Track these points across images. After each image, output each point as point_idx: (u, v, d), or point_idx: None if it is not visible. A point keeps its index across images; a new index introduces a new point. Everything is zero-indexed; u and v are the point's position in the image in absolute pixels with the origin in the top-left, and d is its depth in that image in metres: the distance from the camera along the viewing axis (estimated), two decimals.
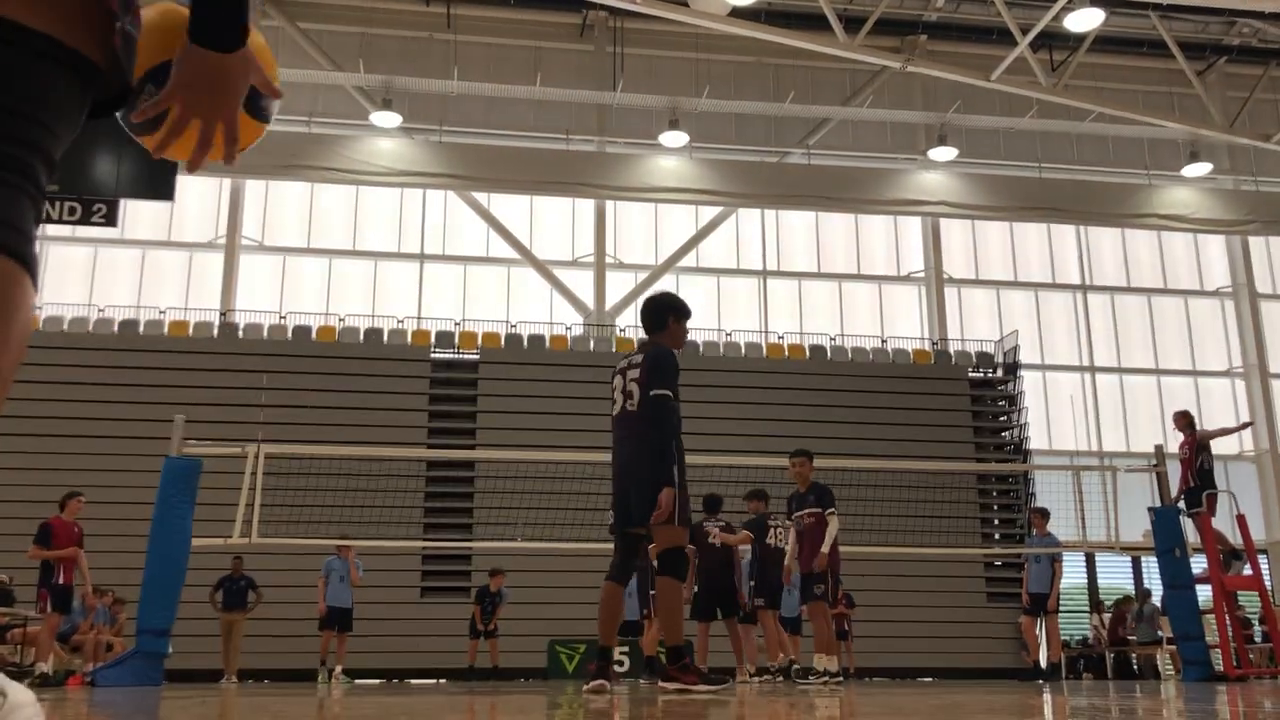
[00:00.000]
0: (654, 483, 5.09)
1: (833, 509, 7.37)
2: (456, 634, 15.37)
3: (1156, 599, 14.38)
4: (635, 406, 5.20)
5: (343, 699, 5.46)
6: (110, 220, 14.07)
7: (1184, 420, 10.89)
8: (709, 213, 20.45)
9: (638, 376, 5.20)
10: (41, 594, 9.49)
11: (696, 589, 9.41)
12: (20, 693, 1.37)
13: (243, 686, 10.64)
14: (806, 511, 7.52)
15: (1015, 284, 21.29)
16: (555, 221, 20.23)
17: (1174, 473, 10.84)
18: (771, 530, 9.45)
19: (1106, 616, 16.79)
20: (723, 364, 17.93)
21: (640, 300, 5.45)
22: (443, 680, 12.97)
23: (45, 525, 9.63)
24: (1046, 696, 5.21)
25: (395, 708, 4.09)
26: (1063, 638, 18.34)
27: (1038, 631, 11.45)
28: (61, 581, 9.63)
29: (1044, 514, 11.45)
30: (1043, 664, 11.31)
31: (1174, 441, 11.49)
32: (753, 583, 9.54)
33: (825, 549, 7.21)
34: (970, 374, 18.75)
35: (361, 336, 17.44)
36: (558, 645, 14.03)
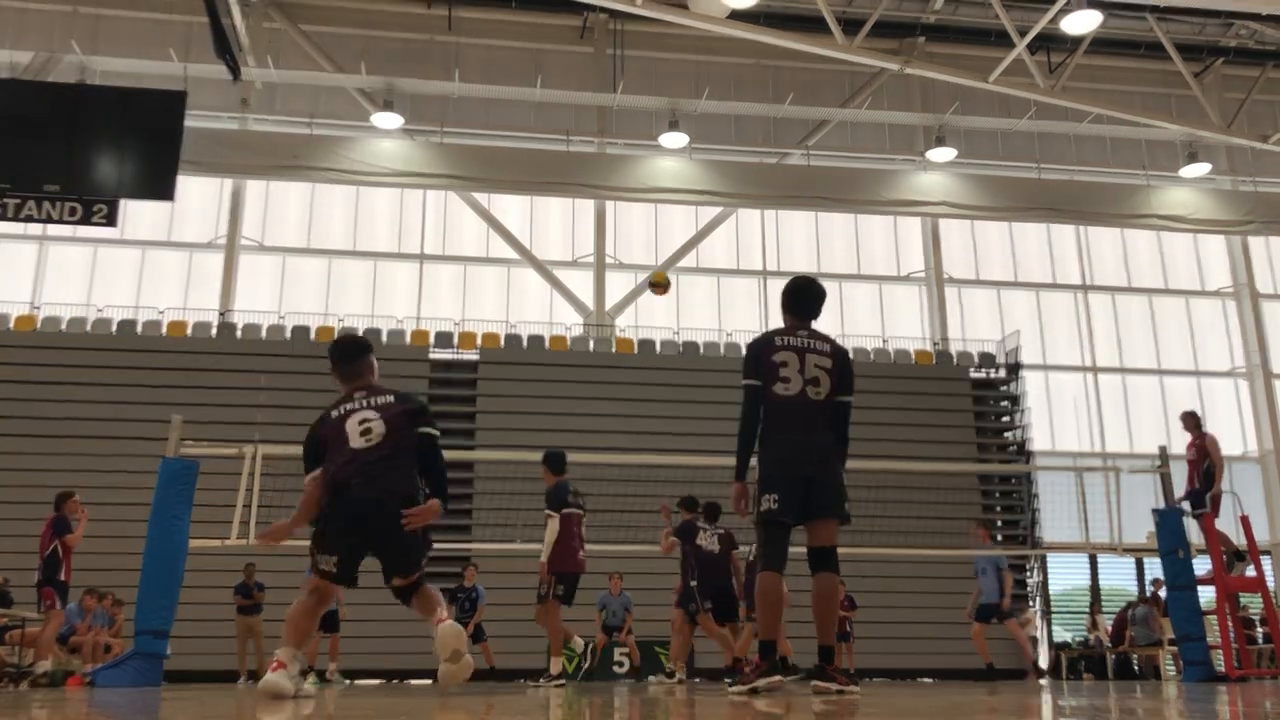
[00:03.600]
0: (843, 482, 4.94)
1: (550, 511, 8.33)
2: None
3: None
4: (823, 396, 4.89)
5: (343, 699, 5.45)
6: (110, 220, 14.08)
7: (1191, 420, 10.78)
8: (709, 213, 20.45)
9: (828, 366, 4.91)
10: (47, 592, 9.35)
11: (695, 584, 9.49)
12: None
13: (248, 687, 10.62)
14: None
15: (1016, 284, 21.28)
16: (555, 222, 20.23)
17: (1178, 473, 10.78)
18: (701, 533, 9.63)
19: (1106, 618, 16.77)
20: (723, 364, 17.90)
21: (794, 280, 5.18)
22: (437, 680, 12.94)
23: (62, 517, 9.52)
24: (1046, 697, 5.19)
25: (395, 708, 4.08)
26: (1063, 638, 18.41)
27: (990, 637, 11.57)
28: (63, 578, 9.59)
29: (987, 524, 11.57)
30: (1043, 664, 11.34)
31: (1177, 442, 11.45)
32: (694, 582, 9.63)
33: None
34: (972, 374, 18.74)
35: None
36: None
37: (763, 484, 4.90)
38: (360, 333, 17.50)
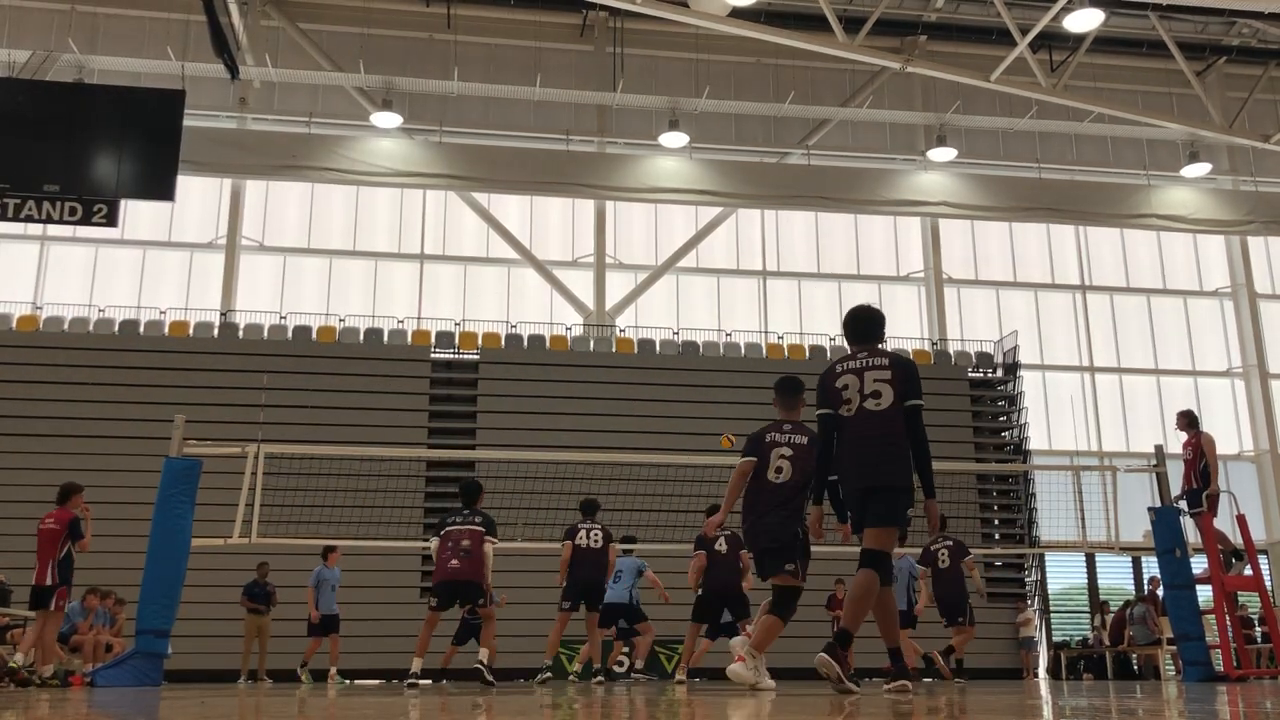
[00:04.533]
0: (907, 490, 5.18)
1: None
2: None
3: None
4: (884, 407, 5.17)
5: (342, 700, 5.47)
6: (111, 220, 14.09)
7: (1185, 420, 10.77)
8: (709, 213, 20.46)
9: (887, 378, 5.21)
10: (61, 591, 9.25)
11: (701, 592, 9.48)
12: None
13: (248, 687, 10.64)
14: None
15: (1015, 284, 21.30)
16: (555, 221, 20.24)
17: (1175, 472, 10.79)
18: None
19: (1107, 617, 16.78)
20: (723, 364, 17.94)
21: (852, 310, 5.59)
22: (443, 680, 12.95)
23: (76, 519, 9.35)
24: (1047, 698, 5.21)
25: (395, 708, 4.10)
26: (1063, 638, 18.44)
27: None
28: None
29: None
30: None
31: (1174, 442, 11.45)
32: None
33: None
34: (970, 374, 18.77)
35: (362, 337, 17.45)
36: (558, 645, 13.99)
37: (844, 503, 5.31)
38: (361, 333, 17.54)
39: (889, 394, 5.18)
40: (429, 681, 8.66)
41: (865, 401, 5.16)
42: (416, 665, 8.28)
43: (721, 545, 9.45)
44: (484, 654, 8.36)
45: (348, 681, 12.83)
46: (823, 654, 5.02)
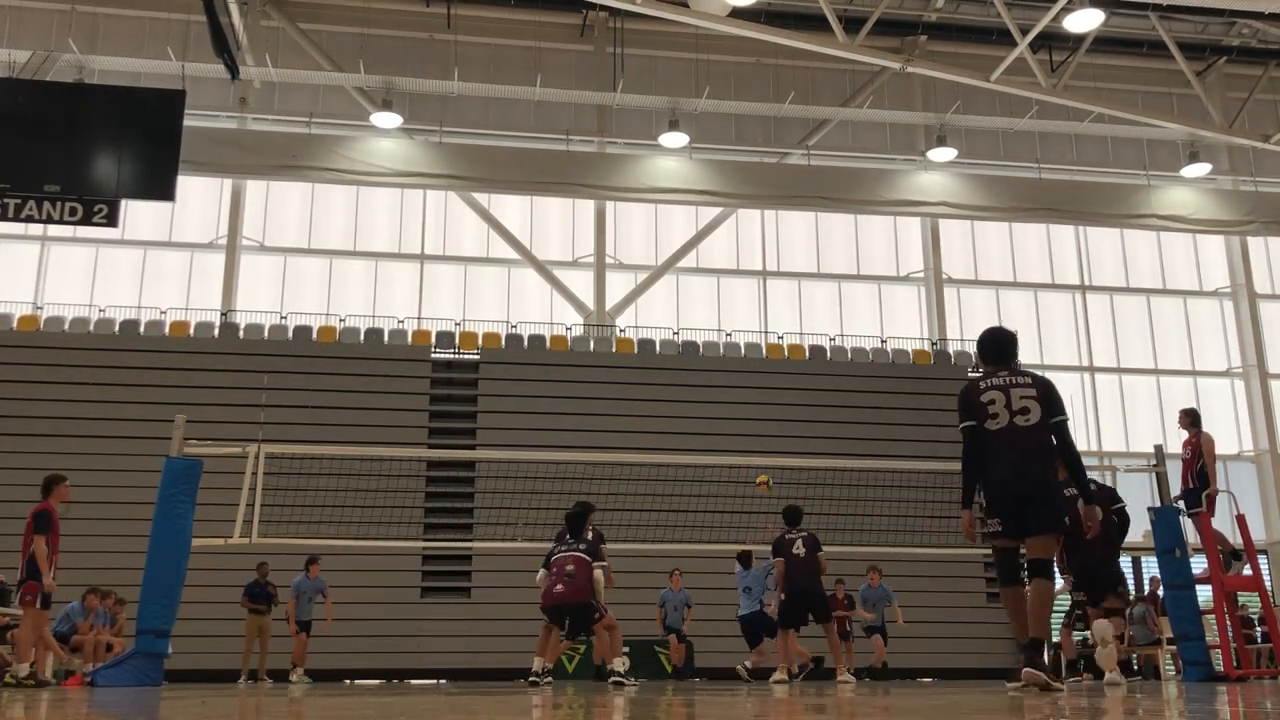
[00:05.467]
0: (1062, 499, 5.60)
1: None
2: (457, 634, 15.38)
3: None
4: (1033, 422, 5.51)
5: (341, 699, 5.47)
6: (111, 221, 14.10)
7: (1188, 419, 10.72)
8: (709, 213, 20.46)
9: (1033, 395, 5.57)
10: (31, 587, 8.96)
11: (784, 597, 9.70)
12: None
13: (249, 687, 10.65)
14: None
15: (1014, 284, 21.31)
16: (555, 222, 20.24)
17: (1175, 472, 10.78)
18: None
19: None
20: (723, 364, 17.94)
21: (984, 332, 5.99)
22: (443, 680, 12.97)
23: (45, 511, 8.97)
24: (1051, 699, 5.20)
25: (395, 708, 4.10)
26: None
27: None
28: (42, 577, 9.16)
29: (748, 556, 11.79)
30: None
31: (1174, 442, 11.44)
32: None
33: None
34: (970, 374, 18.76)
35: (362, 337, 17.46)
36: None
37: (987, 509, 5.56)
38: (361, 333, 17.55)
39: (1036, 410, 5.53)
40: (550, 680, 8.76)
41: (1015, 418, 5.51)
42: (538, 664, 8.55)
43: (799, 549, 9.60)
44: (617, 663, 8.56)
45: (310, 682, 12.79)
46: (1026, 669, 5.35)
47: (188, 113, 14.94)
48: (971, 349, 19.22)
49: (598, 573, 8.63)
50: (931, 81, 20.11)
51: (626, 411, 16.93)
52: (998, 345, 5.85)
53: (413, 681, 14.49)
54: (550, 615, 8.62)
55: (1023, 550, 5.63)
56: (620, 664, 8.53)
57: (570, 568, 8.50)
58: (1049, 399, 5.57)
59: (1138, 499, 12.20)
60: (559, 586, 8.47)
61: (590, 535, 9.02)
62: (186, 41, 18.20)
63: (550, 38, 20.58)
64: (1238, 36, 21.42)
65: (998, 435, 5.49)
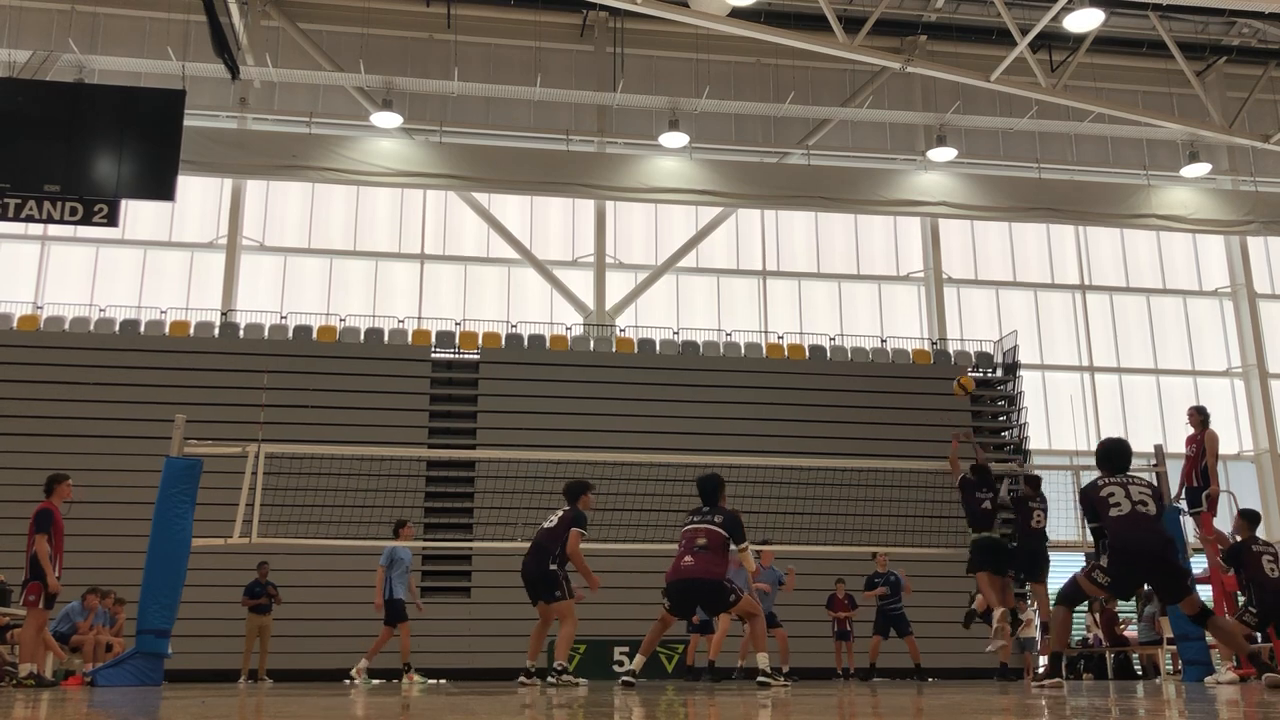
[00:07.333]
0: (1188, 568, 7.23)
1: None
2: (457, 634, 15.39)
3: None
4: (1153, 513, 6.31)
5: (340, 699, 5.47)
6: (111, 220, 14.08)
7: (1198, 417, 10.60)
8: (709, 213, 20.46)
9: (1151, 494, 6.39)
10: (34, 587, 8.92)
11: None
12: None
13: (249, 687, 10.65)
14: None
15: (1014, 284, 21.31)
16: (555, 221, 20.25)
17: (1175, 471, 10.74)
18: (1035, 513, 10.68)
19: (1096, 615, 16.75)
20: (723, 364, 17.94)
21: (1108, 443, 6.78)
22: (443, 680, 12.95)
23: (46, 510, 8.85)
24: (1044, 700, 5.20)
25: (395, 708, 4.10)
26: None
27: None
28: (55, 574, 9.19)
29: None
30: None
31: (1174, 441, 11.42)
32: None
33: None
34: (970, 374, 18.76)
35: (362, 336, 17.46)
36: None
37: (1106, 559, 6.30)
38: (361, 333, 17.54)
39: (1154, 506, 6.36)
40: (644, 680, 8.15)
41: (1136, 506, 6.29)
42: (638, 663, 7.53)
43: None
44: (761, 660, 7.30)
45: (270, 681, 12.75)
46: (1270, 674, 6.42)
47: (188, 112, 14.93)
48: (972, 349, 19.23)
49: (748, 556, 7.66)
50: (931, 81, 20.12)
51: (626, 411, 16.92)
52: (1116, 457, 6.68)
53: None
54: (674, 598, 7.26)
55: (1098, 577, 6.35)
56: (764, 660, 7.30)
57: (702, 541, 7.24)
58: (1163, 499, 6.76)
59: None
60: (688, 559, 7.21)
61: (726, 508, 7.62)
62: (186, 41, 18.20)
63: (550, 38, 20.59)
64: (1238, 36, 21.42)
65: (1120, 520, 6.26)
